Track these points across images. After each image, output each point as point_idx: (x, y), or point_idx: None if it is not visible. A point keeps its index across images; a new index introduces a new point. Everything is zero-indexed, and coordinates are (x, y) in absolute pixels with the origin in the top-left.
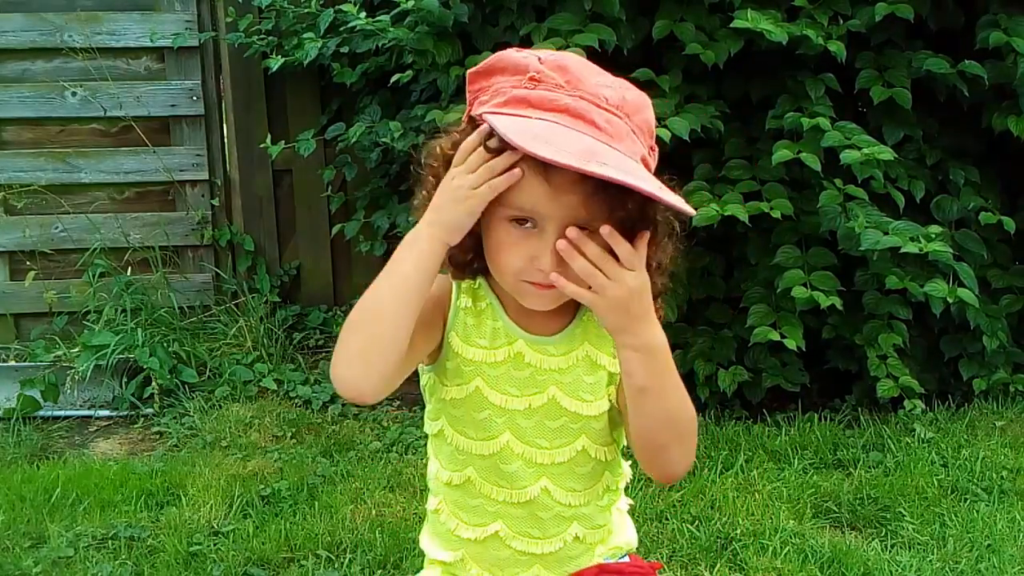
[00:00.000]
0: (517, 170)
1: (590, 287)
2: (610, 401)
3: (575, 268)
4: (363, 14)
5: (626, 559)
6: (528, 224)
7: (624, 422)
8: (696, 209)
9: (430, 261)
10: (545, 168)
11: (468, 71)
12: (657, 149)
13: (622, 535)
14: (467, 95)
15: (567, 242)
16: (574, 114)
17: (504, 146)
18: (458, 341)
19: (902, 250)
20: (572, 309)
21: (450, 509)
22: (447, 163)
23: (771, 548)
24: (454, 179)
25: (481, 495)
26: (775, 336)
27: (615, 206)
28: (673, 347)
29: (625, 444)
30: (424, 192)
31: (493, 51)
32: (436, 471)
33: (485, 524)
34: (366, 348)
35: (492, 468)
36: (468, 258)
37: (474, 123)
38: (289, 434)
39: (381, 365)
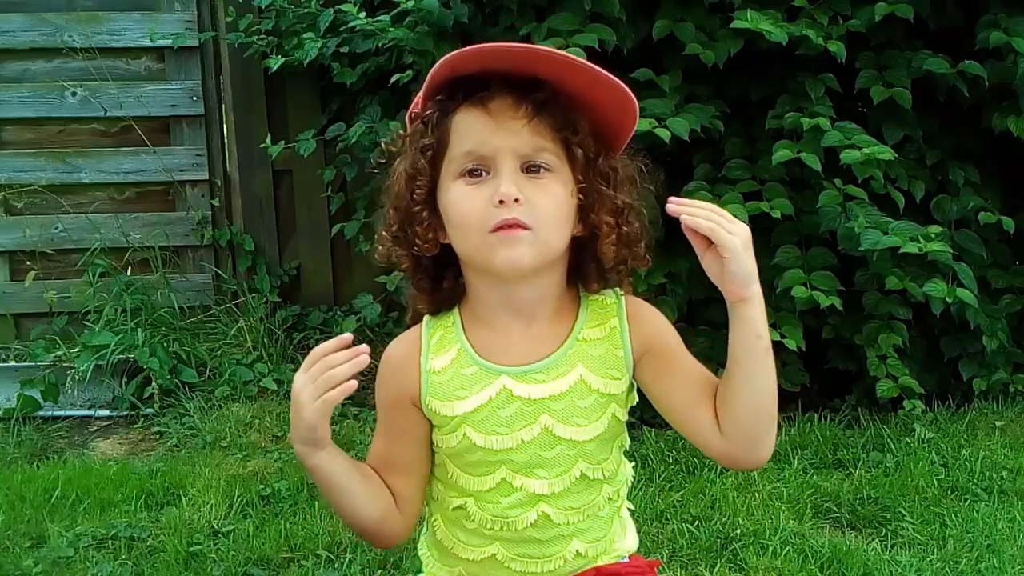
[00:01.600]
0: (353, 383)
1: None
2: (619, 421)
3: (698, 216)
4: (363, 14)
5: (625, 560)
6: (482, 173)
7: (705, 419)
8: (635, 100)
9: (325, 471)
10: (482, 102)
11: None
12: None
13: (623, 541)
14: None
15: (677, 200)
16: (495, 46)
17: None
18: (437, 403)
19: (902, 250)
20: (565, 331)
21: (447, 527)
22: (388, 194)
23: (771, 548)
24: (295, 384)
25: (477, 522)
26: (775, 336)
27: (562, 126)
28: None
29: (627, 446)
30: (378, 232)
31: None
32: (437, 493)
33: (483, 547)
34: (359, 530)
35: (490, 500)
36: (426, 236)
37: (412, 123)
38: (289, 434)
39: (377, 529)
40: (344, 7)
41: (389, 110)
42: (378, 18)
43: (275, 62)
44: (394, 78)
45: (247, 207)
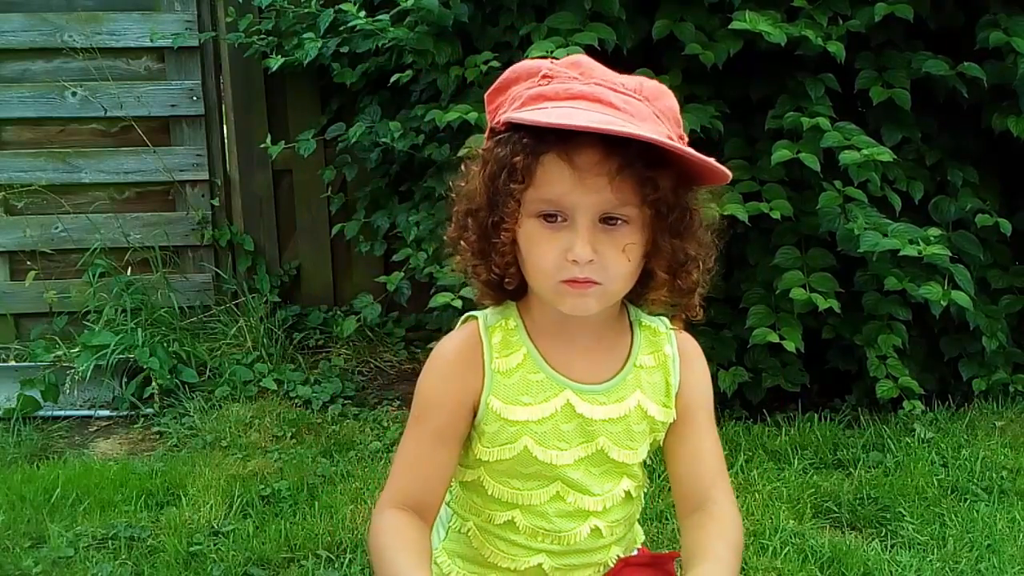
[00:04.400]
0: None
1: None
2: (657, 443)
3: None
4: (363, 14)
5: (635, 552)
6: (558, 219)
7: (675, 488)
8: (730, 175)
9: None
10: (568, 154)
11: (486, 93)
12: (687, 139)
13: (638, 536)
14: (487, 117)
15: None
16: (591, 98)
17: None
18: (501, 404)
19: (900, 252)
20: (623, 356)
21: (484, 538)
22: (467, 198)
23: (771, 548)
24: None
25: (525, 534)
26: (774, 338)
27: (644, 186)
28: None
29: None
30: (452, 228)
31: (493, 51)
32: (470, 505)
33: (527, 557)
34: None
35: (540, 515)
36: (506, 269)
37: (495, 136)
38: (289, 434)
39: None
40: (344, 7)
41: (389, 110)
42: (378, 18)
43: (275, 62)
44: (394, 78)
45: (247, 207)
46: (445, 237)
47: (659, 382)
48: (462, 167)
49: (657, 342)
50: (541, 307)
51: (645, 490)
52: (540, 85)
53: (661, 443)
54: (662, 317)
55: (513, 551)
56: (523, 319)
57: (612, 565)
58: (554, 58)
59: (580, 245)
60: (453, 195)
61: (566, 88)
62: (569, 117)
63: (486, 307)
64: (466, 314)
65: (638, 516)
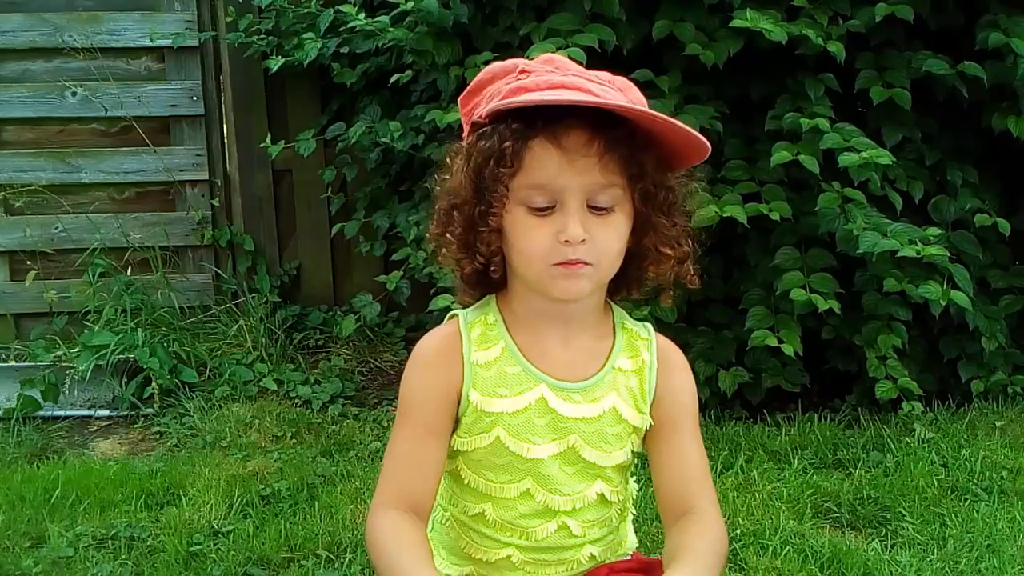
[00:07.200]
0: None
1: None
2: (633, 452)
3: None
4: (363, 14)
5: (628, 557)
6: (549, 207)
7: (661, 501)
8: (710, 147)
9: None
10: (556, 137)
11: (459, 97)
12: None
13: (627, 541)
14: (461, 119)
15: None
16: (571, 87)
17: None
18: (479, 396)
19: (900, 253)
20: (603, 357)
21: (460, 529)
22: (450, 194)
23: (771, 548)
24: None
25: (494, 527)
26: (773, 341)
27: (630, 164)
28: None
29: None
30: (434, 224)
31: (493, 51)
32: (449, 494)
33: (498, 549)
34: None
35: (510, 509)
36: (491, 257)
37: (476, 131)
38: (289, 434)
39: None
40: (344, 7)
41: (389, 110)
42: (378, 18)
43: (275, 62)
44: (394, 78)
45: (247, 207)
46: (427, 235)
47: (635, 387)
48: (446, 161)
49: (637, 347)
50: (521, 300)
51: (633, 496)
52: (519, 79)
53: (644, 451)
54: (646, 323)
55: (485, 543)
56: (502, 314)
57: (585, 563)
58: (529, 57)
59: (572, 225)
60: (435, 192)
61: (546, 80)
62: (557, 97)
63: (467, 306)
64: (450, 312)
65: (626, 521)
